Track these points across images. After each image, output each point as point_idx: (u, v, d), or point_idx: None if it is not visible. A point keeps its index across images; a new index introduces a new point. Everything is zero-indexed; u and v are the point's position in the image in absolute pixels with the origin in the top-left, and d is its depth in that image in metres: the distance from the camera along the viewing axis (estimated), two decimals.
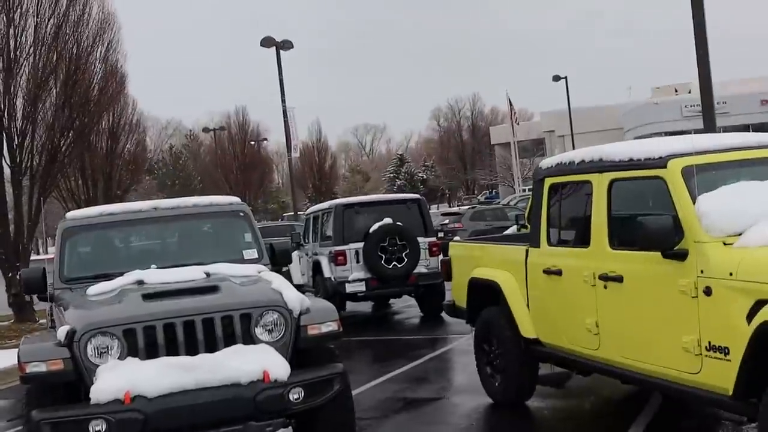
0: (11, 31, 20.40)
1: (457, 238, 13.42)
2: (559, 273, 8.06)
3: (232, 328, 6.83)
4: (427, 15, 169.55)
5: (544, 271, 8.28)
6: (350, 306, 18.11)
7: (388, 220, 16.56)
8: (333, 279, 16.69)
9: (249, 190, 64.07)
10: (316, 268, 17.54)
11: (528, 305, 8.67)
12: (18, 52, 20.56)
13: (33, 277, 8.73)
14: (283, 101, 37.56)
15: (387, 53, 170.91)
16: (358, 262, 16.55)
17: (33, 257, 22.56)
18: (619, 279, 7.14)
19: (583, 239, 7.76)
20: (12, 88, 20.48)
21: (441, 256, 14.62)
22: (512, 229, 19.22)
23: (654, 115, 59.55)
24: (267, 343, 6.84)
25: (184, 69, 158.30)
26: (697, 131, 13.75)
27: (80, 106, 22.49)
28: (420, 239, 16.67)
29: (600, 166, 7.55)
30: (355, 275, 16.54)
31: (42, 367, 6.57)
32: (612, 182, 7.36)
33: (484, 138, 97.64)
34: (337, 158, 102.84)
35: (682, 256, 6.36)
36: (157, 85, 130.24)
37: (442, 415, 9.51)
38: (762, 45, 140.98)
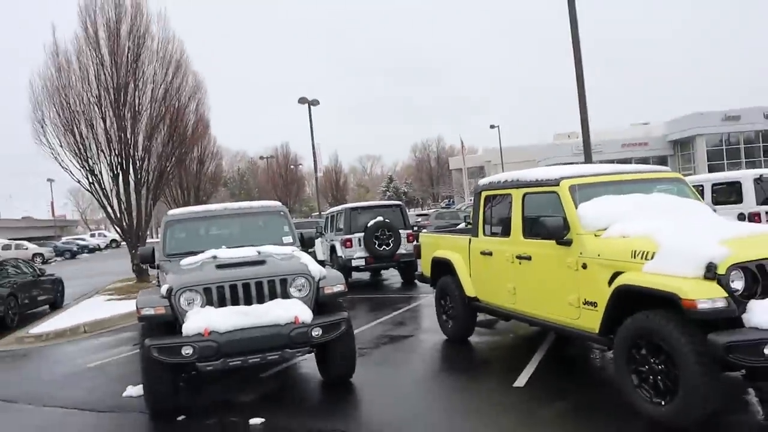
0: (136, 92, 20.40)
1: (424, 231, 13.41)
2: (490, 254, 8.10)
3: (274, 288, 6.86)
4: (408, 86, 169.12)
5: (481, 253, 8.32)
6: (355, 275, 18.05)
7: (380, 218, 16.60)
8: (343, 257, 16.66)
9: (289, 198, 63.74)
10: (332, 249, 17.48)
11: (470, 275, 8.72)
12: (140, 107, 20.53)
13: (145, 253, 8.77)
14: (312, 139, 37.46)
15: (381, 108, 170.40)
16: (360, 245, 16.54)
17: (148, 240, 22.57)
18: (528, 258, 7.20)
19: (506, 232, 7.79)
20: (136, 129, 20.48)
21: (414, 242, 14.69)
22: (462, 225, 19.24)
23: (555, 152, 59.60)
24: (297, 298, 6.87)
25: (249, 115, 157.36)
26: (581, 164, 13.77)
27: (179, 142, 22.44)
28: (401, 231, 16.69)
29: (517, 184, 7.61)
30: (358, 255, 16.56)
31: (151, 311, 6.64)
32: (525, 195, 7.41)
33: (445, 165, 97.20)
34: (348, 177, 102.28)
35: (568, 243, 6.44)
36: (230, 126, 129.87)
37: (413, 346, 9.50)
38: (626, 101, 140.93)
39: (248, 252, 7.57)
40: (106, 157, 20.16)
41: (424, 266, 10.21)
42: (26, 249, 46.45)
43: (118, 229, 21.48)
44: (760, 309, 4.91)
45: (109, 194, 20.51)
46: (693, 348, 4.94)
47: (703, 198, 13.35)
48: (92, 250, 60.80)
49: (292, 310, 6.62)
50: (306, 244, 8.98)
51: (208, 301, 6.69)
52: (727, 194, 13.94)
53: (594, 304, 6.08)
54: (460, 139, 65.61)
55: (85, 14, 20.03)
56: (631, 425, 5.54)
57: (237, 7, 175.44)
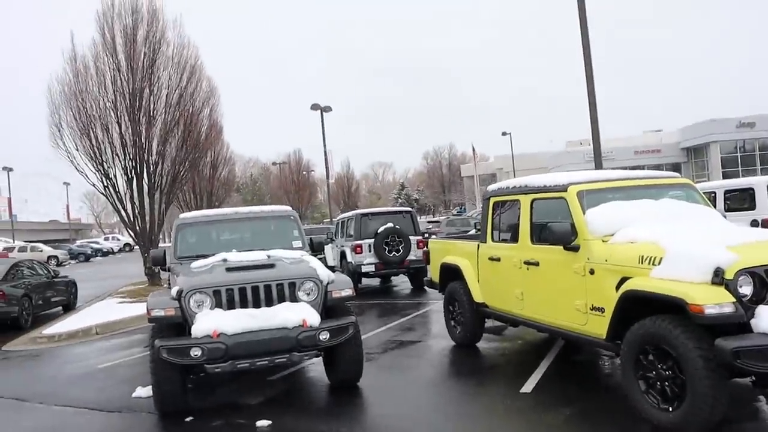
0: (151, 97, 20.54)
1: (434, 237, 13.41)
2: (498, 260, 8.08)
3: (283, 291, 6.87)
4: (421, 92, 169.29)
5: (489, 258, 8.31)
6: (364, 281, 18.08)
7: (390, 225, 16.59)
8: (353, 263, 16.67)
9: (301, 204, 63.76)
10: (342, 255, 17.50)
11: (478, 280, 8.70)
12: (155, 111, 20.66)
13: (157, 255, 8.82)
14: (324, 145, 37.55)
15: (394, 115, 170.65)
16: (370, 251, 16.55)
17: (161, 244, 22.68)
18: (536, 264, 7.18)
19: (514, 237, 7.78)
20: (150, 134, 20.60)
21: (424, 249, 14.67)
22: (472, 232, 19.21)
23: (567, 159, 59.40)
24: (306, 301, 6.87)
25: (262, 121, 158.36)
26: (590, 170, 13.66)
27: (193, 146, 22.52)
28: (411, 237, 16.68)
29: (525, 190, 7.59)
30: (367, 260, 16.56)
31: (161, 312, 6.67)
32: (533, 200, 7.40)
33: (456, 172, 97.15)
34: (359, 184, 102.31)
35: (576, 248, 6.41)
36: (244, 132, 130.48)
37: (422, 351, 9.48)
38: (638, 109, 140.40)
39: (258, 255, 7.58)
40: (120, 161, 20.29)
41: (432, 272, 10.20)
42: (41, 251, 46.73)
43: (132, 233, 21.59)
44: None
45: (123, 198, 20.64)
46: (700, 354, 4.90)
47: (715, 205, 13.38)
48: (106, 253, 61.18)
49: (301, 313, 6.62)
50: (315, 249, 8.99)
51: (218, 304, 6.71)
52: (740, 201, 13.86)
53: (601, 310, 6.05)
54: (472, 147, 65.66)
55: (102, 20, 20.24)
56: None
57: (251, 14, 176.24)
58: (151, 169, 20.90)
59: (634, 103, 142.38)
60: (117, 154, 20.19)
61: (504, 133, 61.03)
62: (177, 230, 8.81)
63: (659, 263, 5.43)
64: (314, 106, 36.44)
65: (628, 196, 6.71)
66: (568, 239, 6.46)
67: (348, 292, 7.21)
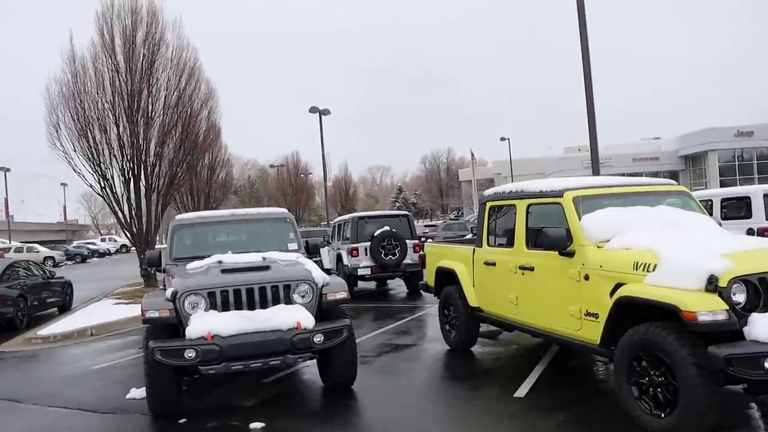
0: (150, 99, 20.54)
1: (429, 240, 13.43)
2: (494, 264, 8.10)
3: (278, 294, 6.87)
4: (420, 96, 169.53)
5: (484, 263, 8.32)
6: (360, 284, 18.08)
7: (387, 228, 16.59)
8: (349, 266, 16.68)
9: (299, 206, 63.81)
10: (339, 258, 17.49)
11: (473, 285, 8.72)
12: (153, 113, 20.65)
13: (153, 256, 8.82)
14: (323, 148, 37.61)
15: (393, 119, 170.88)
16: (366, 255, 16.55)
17: (157, 246, 22.66)
18: (531, 269, 7.19)
19: (509, 242, 7.78)
20: (148, 135, 20.59)
21: (420, 252, 14.68)
22: (469, 236, 19.24)
23: (565, 165, 59.47)
24: (300, 304, 6.87)
25: (261, 124, 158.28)
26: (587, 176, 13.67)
27: (191, 148, 22.49)
28: (408, 241, 16.67)
29: (521, 195, 7.61)
30: (364, 264, 16.56)
31: (155, 314, 6.66)
32: (529, 206, 7.42)
33: (454, 177, 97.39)
34: (357, 187, 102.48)
35: (571, 254, 6.43)
36: (242, 134, 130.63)
37: (416, 355, 9.49)
38: (637, 117, 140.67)
39: (253, 257, 7.60)
40: (118, 162, 20.28)
41: (428, 276, 10.20)
42: (38, 252, 46.64)
43: (128, 234, 21.57)
44: (761, 322, 4.89)
45: (120, 199, 20.62)
46: (693, 360, 4.92)
47: (711, 213, 13.40)
48: (102, 254, 61.13)
49: (295, 315, 6.63)
50: (311, 252, 8.99)
51: (212, 305, 6.71)
52: (736, 209, 13.88)
53: (595, 316, 6.06)
54: (470, 151, 65.37)
55: (101, 21, 20.24)
56: None
57: (250, 17, 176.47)
58: (149, 170, 20.88)
59: (634, 110, 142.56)
60: (114, 155, 20.19)
61: (503, 138, 61.21)
62: (173, 231, 8.81)
63: (654, 270, 5.44)
64: (313, 109, 36.50)
65: (624, 202, 6.73)
66: (563, 245, 6.47)
67: (343, 294, 7.22)
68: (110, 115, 20.00)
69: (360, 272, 16.64)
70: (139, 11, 20.52)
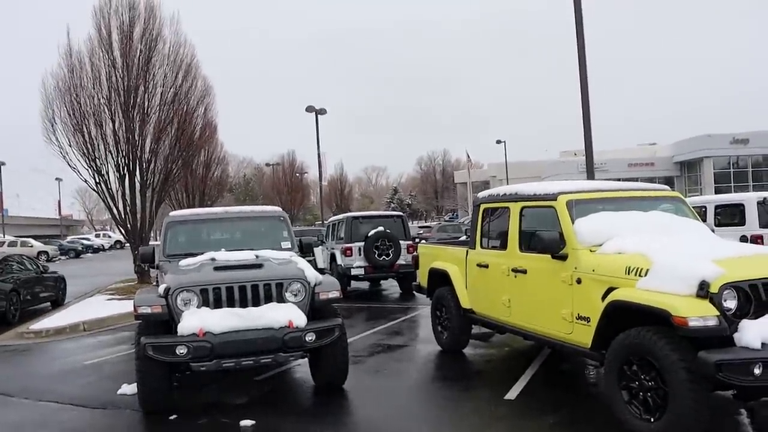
0: (146, 95, 20.48)
1: (423, 241, 13.43)
2: (486, 266, 8.11)
3: (270, 292, 6.87)
4: (417, 98, 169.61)
5: (477, 265, 8.33)
6: (353, 284, 18.08)
7: (381, 228, 16.63)
8: (343, 265, 16.70)
9: (294, 205, 63.81)
10: (332, 258, 17.51)
11: (466, 286, 8.72)
12: (149, 109, 20.58)
13: (146, 252, 8.81)
14: (318, 147, 37.64)
15: (389, 120, 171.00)
16: (360, 255, 16.57)
17: (151, 242, 22.61)
18: (524, 271, 7.20)
19: (502, 245, 7.79)
20: (144, 131, 20.55)
21: (414, 253, 14.69)
22: (463, 238, 19.27)
23: (561, 169, 59.52)
24: (292, 302, 6.87)
25: (257, 122, 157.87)
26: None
27: (186, 145, 22.42)
28: (401, 242, 16.69)
29: (515, 198, 7.62)
30: (357, 263, 16.58)
31: (148, 310, 6.67)
32: (522, 208, 7.43)
33: (450, 178, 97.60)
34: (353, 187, 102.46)
35: (564, 257, 6.44)
36: (238, 132, 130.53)
37: (408, 355, 9.49)
38: (631, 124, 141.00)
39: (246, 255, 7.59)
40: (113, 158, 20.20)
41: (421, 277, 10.22)
42: (31, 246, 46.56)
43: (122, 230, 21.51)
44: (751, 328, 4.90)
45: (115, 195, 20.55)
46: (683, 365, 4.93)
47: (705, 219, 13.45)
48: (96, 250, 60.97)
49: (287, 314, 6.62)
50: (304, 251, 8.99)
51: (204, 302, 6.70)
52: (730, 216, 13.93)
53: (587, 319, 6.07)
54: (466, 153, 65.98)
55: (99, 16, 20.18)
56: None
57: (247, 16, 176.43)
58: (144, 166, 20.81)
59: (631, 116, 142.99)
60: (110, 151, 20.11)
61: (499, 141, 61.33)
62: (166, 228, 8.80)
63: (646, 275, 5.46)
64: (309, 108, 36.50)
65: (618, 207, 6.75)
66: (556, 248, 6.48)
67: (335, 294, 7.22)
68: (106, 110, 19.92)
69: (353, 272, 16.65)
70: (137, 7, 20.47)
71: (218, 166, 35.72)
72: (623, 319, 5.59)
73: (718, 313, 4.92)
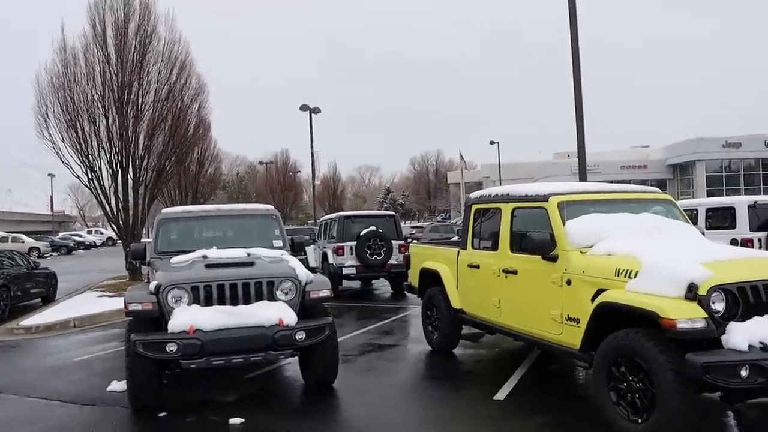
0: (140, 91, 20.46)
1: (414, 241, 13.45)
2: (477, 267, 8.12)
3: (261, 290, 6.87)
4: (411, 98, 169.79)
5: (468, 265, 8.35)
6: (345, 283, 18.08)
7: (373, 228, 16.66)
8: (335, 264, 16.71)
9: (286, 204, 63.81)
10: (324, 257, 17.54)
11: (457, 287, 8.74)
12: (143, 106, 20.58)
13: (138, 249, 8.77)
14: (312, 146, 37.60)
15: (383, 120, 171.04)
16: (351, 254, 16.59)
17: (144, 239, 22.57)
18: (515, 272, 7.22)
19: (493, 245, 7.82)
20: (137, 128, 20.52)
21: (406, 253, 14.70)
22: (455, 239, 19.29)
23: (554, 170, 59.55)
24: (283, 301, 6.87)
25: (251, 120, 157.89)
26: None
27: (180, 142, 22.44)
28: (394, 241, 16.72)
29: (507, 198, 7.64)
30: (349, 263, 16.59)
31: (138, 306, 6.66)
32: (514, 209, 7.45)
33: (443, 179, 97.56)
34: (345, 186, 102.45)
35: (554, 258, 6.46)
36: (231, 130, 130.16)
37: (398, 355, 9.51)
38: (625, 125, 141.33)
39: (238, 253, 7.58)
40: (106, 154, 20.19)
41: (412, 276, 10.23)
42: (23, 242, 46.40)
43: (115, 227, 21.46)
44: (739, 331, 4.93)
45: (108, 191, 20.52)
46: (671, 367, 4.94)
47: (696, 222, 13.49)
48: (88, 246, 60.84)
49: (278, 312, 6.62)
50: (296, 249, 8.99)
51: (195, 300, 6.69)
52: (721, 219, 13.97)
53: (576, 321, 6.09)
54: (459, 153, 65.75)
55: (94, 12, 20.18)
56: None
57: (241, 14, 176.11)
58: (137, 163, 20.80)
59: (625, 118, 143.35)
60: (103, 147, 20.10)
61: (492, 142, 61.34)
62: (158, 225, 8.79)
63: (635, 276, 5.48)
64: (303, 107, 36.45)
65: (609, 209, 6.78)
66: (546, 249, 6.50)
67: (326, 292, 7.22)
68: (100, 106, 19.93)
69: (345, 271, 16.66)
70: (132, 3, 20.51)
71: (211, 163, 35.72)
72: (612, 320, 5.60)
73: (706, 316, 4.94)
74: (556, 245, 6.46)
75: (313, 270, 8.39)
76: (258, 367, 8.35)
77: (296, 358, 7.60)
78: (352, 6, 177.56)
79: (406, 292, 11.90)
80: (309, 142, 37.18)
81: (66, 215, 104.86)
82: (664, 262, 5.41)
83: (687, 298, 5.04)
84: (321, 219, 20.61)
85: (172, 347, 6.27)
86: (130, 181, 20.83)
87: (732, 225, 13.54)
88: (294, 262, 7.42)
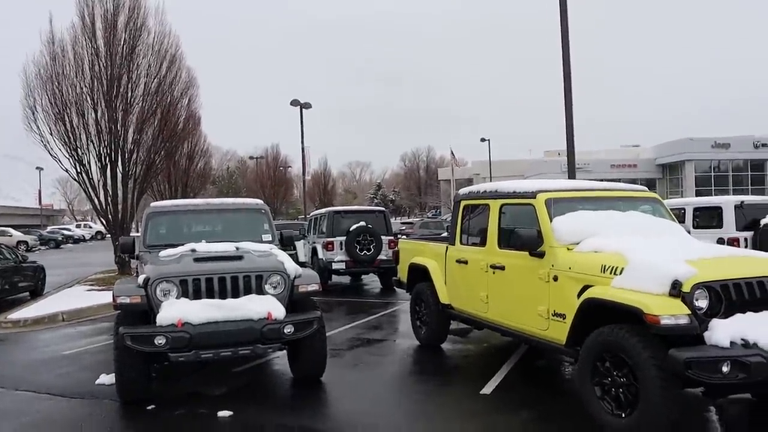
0: (129, 84, 20.38)
1: (403, 237, 13.49)
2: (465, 262, 8.19)
3: (249, 284, 6.90)
4: (402, 94, 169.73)
5: (456, 261, 8.40)
6: (335, 278, 18.15)
7: (362, 223, 16.71)
8: (324, 259, 16.75)
9: (276, 199, 63.75)
10: (314, 252, 17.56)
11: (445, 282, 8.80)
12: (132, 99, 20.50)
13: (126, 242, 8.80)
14: (302, 141, 37.56)
15: (374, 116, 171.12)
16: (341, 249, 16.64)
17: (133, 233, 22.55)
18: (502, 268, 7.28)
19: (481, 241, 7.87)
20: (126, 122, 20.45)
21: (395, 248, 14.75)
22: (445, 235, 19.35)
23: (544, 168, 59.68)
24: (272, 295, 6.90)
25: (241, 115, 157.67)
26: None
27: (169, 136, 22.39)
28: (383, 237, 16.79)
29: (495, 195, 7.71)
30: (338, 258, 16.64)
31: (127, 300, 6.68)
32: (502, 206, 7.51)
33: (434, 175, 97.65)
34: (336, 182, 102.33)
35: (541, 255, 6.52)
36: (222, 125, 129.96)
37: (387, 349, 9.57)
38: (615, 126, 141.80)
39: (227, 247, 7.61)
40: (95, 148, 20.09)
41: (401, 272, 10.28)
42: (10, 236, 46.18)
43: (103, 221, 21.39)
44: (721, 328, 4.99)
45: (97, 185, 20.43)
46: (654, 362, 5.01)
47: (684, 221, 13.61)
48: (77, 240, 60.55)
49: (266, 306, 6.65)
50: (285, 244, 9.02)
51: (184, 293, 6.72)
52: (708, 219, 14.09)
53: (563, 316, 6.16)
54: (450, 150, 65.77)
55: (82, 4, 20.05)
56: None
57: (233, 9, 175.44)
58: (126, 156, 20.72)
59: (615, 117, 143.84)
60: (92, 141, 20.00)
61: (483, 139, 61.35)
62: (147, 219, 8.80)
63: (621, 273, 5.54)
64: (294, 102, 36.38)
65: (596, 206, 6.84)
66: (534, 245, 6.57)
67: (314, 287, 7.26)
68: (88, 99, 19.83)
69: (334, 266, 16.72)
70: None
71: (201, 158, 35.58)
72: (598, 316, 5.67)
73: (690, 312, 5.01)
74: (544, 242, 6.52)
75: (302, 265, 8.41)
76: (246, 361, 8.39)
77: (285, 351, 7.65)
78: (346, 4, 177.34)
79: (395, 287, 11.96)
80: (300, 138, 37.16)
81: (54, 209, 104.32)
82: (649, 259, 5.48)
83: (671, 294, 5.11)
84: (311, 214, 20.62)
85: (160, 340, 6.29)
86: (119, 175, 20.75)
87: (719, 224, 13.67)
88: (282, 256, 7.45)
